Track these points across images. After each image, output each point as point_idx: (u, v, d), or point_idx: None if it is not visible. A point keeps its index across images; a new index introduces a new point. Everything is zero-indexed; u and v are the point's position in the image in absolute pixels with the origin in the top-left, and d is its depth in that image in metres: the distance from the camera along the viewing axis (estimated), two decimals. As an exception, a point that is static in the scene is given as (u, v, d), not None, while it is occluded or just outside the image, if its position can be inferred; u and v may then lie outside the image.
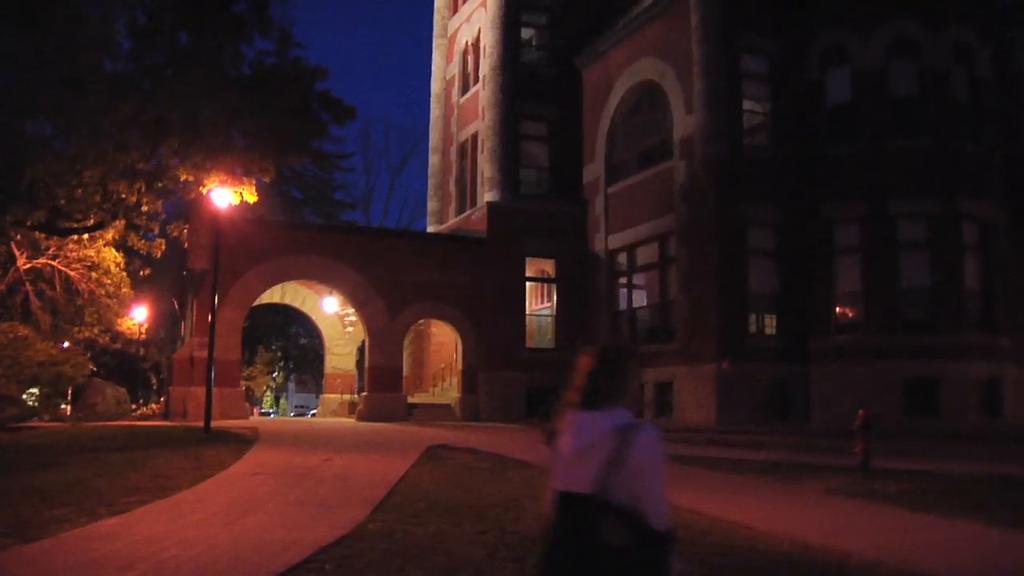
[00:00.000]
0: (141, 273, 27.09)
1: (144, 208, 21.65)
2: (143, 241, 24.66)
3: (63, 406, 33.92)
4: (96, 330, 27.23)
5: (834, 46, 27.19)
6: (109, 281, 25.37)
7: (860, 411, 15.62)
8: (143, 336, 35.81)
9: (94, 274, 25.15)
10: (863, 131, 26.41)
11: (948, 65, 26.39)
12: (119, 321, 28.51)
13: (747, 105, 28.07)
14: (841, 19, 27.18)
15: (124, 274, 26.01)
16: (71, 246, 24.59)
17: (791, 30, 27.97)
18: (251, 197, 21.90)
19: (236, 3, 21.11)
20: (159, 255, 25.09)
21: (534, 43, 35.72)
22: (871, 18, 26.64)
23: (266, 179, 22.28)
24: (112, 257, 24.88)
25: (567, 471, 3.64)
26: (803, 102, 27.64)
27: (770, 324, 27.22)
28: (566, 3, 35.11)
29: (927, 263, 25.45)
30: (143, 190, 21.19)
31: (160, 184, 21.43)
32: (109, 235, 23.12)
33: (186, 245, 26.76)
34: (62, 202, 21.07)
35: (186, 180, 20.97)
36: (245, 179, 20.95)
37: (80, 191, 20.40)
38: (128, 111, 19.52)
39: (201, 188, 21.16)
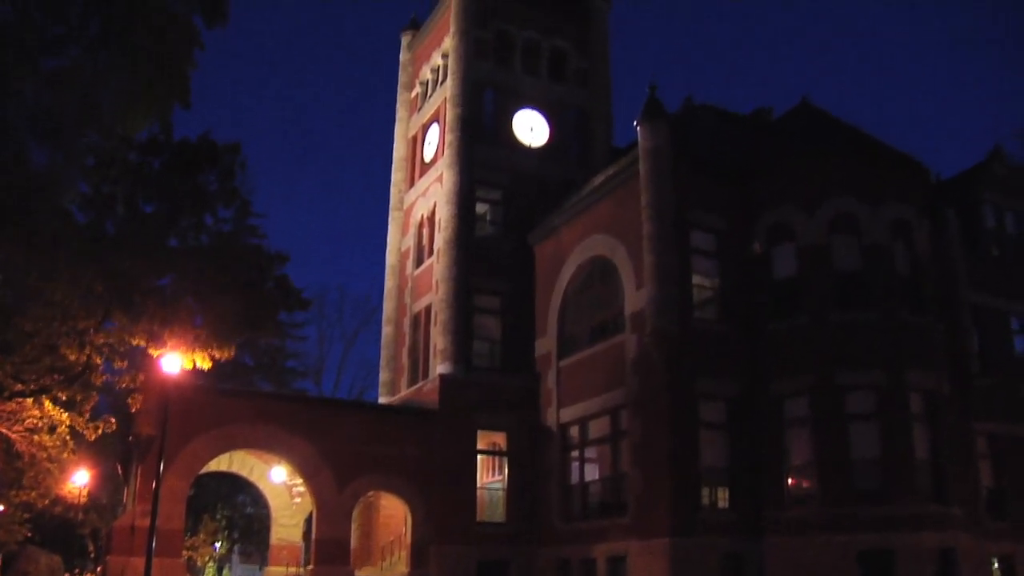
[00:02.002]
0: (71, 454, 26.52)
1: (96, 362, 21.38)
2: (86, 423, 24.10)
3: (-8, 574, 32.68)
4: (35, 494, 26.51)
5: (779, 223, 28.07)
6: (51, 444, 24.83)
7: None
8: (84, 501, 34.85)
9: (36, 437, 24.64)
10: (809, 304, 27.01)
11: (888, 240, 27.33)
12: (60, 485, 27.82)
13: (696, 280, 28.57)
14: (785, 197, 28.14)
15: (68, 438, 25.50)
16: (12, 407, 24.15)
17: (738, 208, 28.85)
18: (204, 363, 21.85)
19: (202, 174, 21.44)
20: (93, 439, 24.49)
21: (488, 218, 36.42)
22: (814, 196, 27.65)
23: (221, 357, 22.22)
24: (57, 416, 24.35)
25: None
26: (751, 276, 28.29)
27: (723, 497, 27.07)
28: (519, 180, 35.98)
29: (877, 434, 25.60)
30: (91, 356, 21.05)
31: (108, 343, 21.27)
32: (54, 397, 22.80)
33: (133, 410, 26.40)
34: (8, 366, 20.82)
35: (137, 345, 20.92)
36: (198, 351, 20.97)
37: (30, 352, 20.20)
38: (83, 280, 19.55)
39: (152, 352, 21.07)
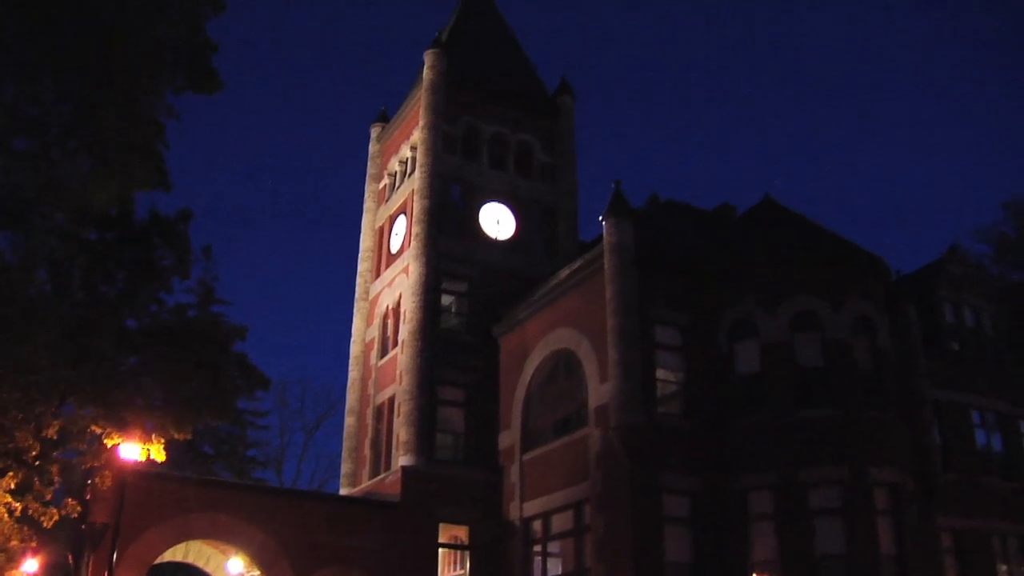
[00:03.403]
0: (32, 543, 25.78)
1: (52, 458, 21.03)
2: (40, 506, 23.53)
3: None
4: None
5: (742, 319, 28.30)
6: (-1, 530, 24.14)
7: None
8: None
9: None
10: (772, 400, 27.13)
11: (850, 337, 27.63)
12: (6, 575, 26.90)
13: (660, 374, 28.63)
14: (748, 294, 28.42)
15: (15, 525, 24.80)
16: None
17: (702, 303, 29.09)
18: (159, 455, 21.60)
19: (156, 248, 21.41)
20: (49, 525, 23.92)
21: (453, 310, 36.52)
22: (776, 293, 27.96)
23: (180, 438, 21.97)
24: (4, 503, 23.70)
25: None
26: (714, 372, 28.39)
27: (688, 593, 26.82)
28: (485, 272, 36.25)
29: (841, 529, 25.50)
30: (48, 439, 20.73)
31: (65, 428, 20.93)
32: (5, 483, 22.29)
33: (88, 497, 25.87)
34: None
35: (94, 433, 20.62)
36: (155, 436, 20.73)
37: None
38: (43, 363, 19.35)
39: (108, 441, 20.78)
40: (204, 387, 21.76)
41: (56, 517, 23.54)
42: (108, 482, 22.54)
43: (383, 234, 40.32)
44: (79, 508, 23.85)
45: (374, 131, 43.31)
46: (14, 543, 25.34)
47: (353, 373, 39.19)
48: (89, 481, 25.32)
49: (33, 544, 27.05)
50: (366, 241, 41.17)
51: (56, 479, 22.37)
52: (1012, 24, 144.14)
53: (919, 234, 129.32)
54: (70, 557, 31.45)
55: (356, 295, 40.36)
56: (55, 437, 20.87)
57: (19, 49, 17.42)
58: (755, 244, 30.41)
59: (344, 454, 38.41)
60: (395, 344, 36.42)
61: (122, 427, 20.62)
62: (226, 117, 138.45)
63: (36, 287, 21.24)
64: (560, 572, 30.11)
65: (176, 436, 21.87)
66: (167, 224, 21.75)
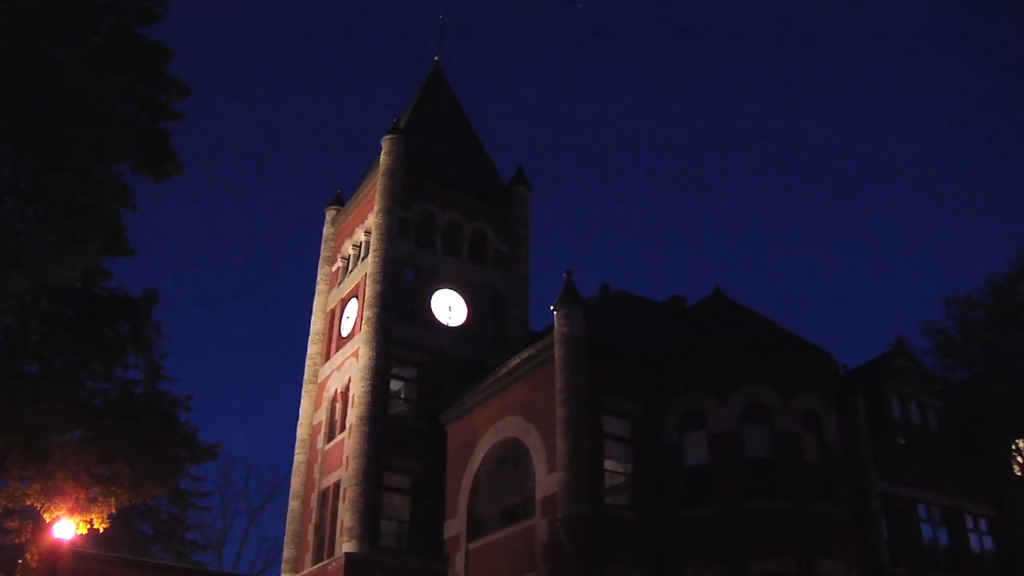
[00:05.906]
0: None
1: None
2: None
3: None
4: None
5: (692, 410, 28.38)
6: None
7: None
8: None
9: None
10: (721, 492, 27.06)
11: (799, 429, 27.81)
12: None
13: (609, 465, 28.50)
14: (698, 385, 28.53)
15: None
16: None
17: (652, 394, 29.13)
18: (100, 524, 21.12)
19: (115, 325, 21.16)
20: None
21: (402, 395, 36.29)
22: (726, 385, 28.10)
23: (127, 502, 21.54)
24: None
25: None
26: (663, 463, 28.32)
27: None
28: (436, 358, 36.14)
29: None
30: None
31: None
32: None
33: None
34: None
35: (29, 506, 20.16)
36: (94, 508, 20.29)
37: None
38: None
39: (45, 515, 20.32)
40: (147, 460, 21.36)
41: None
42: (39, 561, 21.96)
43: (334, 317, 40.16)
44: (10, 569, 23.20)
45: (329, 214, 43.43)
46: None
47: (299, 456, 38.67)
48: (20, 560, 24.69)
49: None
50: (317, 324, 40.98)
51: None
52: (950, 117, 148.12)
53: (868, 327, 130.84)
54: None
55: (305, 377, 40.01)
56: None
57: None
58: (706, 336, 30.62)
59: (287, 538, 37.69)
60: (342, 428, 36.05)
61: (60, 500, 20.13)
62: (179, 195, 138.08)
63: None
64: (504, 664, 29.56)
65: (116, 507, 21.40)
66: (130, 304, 21.51)
